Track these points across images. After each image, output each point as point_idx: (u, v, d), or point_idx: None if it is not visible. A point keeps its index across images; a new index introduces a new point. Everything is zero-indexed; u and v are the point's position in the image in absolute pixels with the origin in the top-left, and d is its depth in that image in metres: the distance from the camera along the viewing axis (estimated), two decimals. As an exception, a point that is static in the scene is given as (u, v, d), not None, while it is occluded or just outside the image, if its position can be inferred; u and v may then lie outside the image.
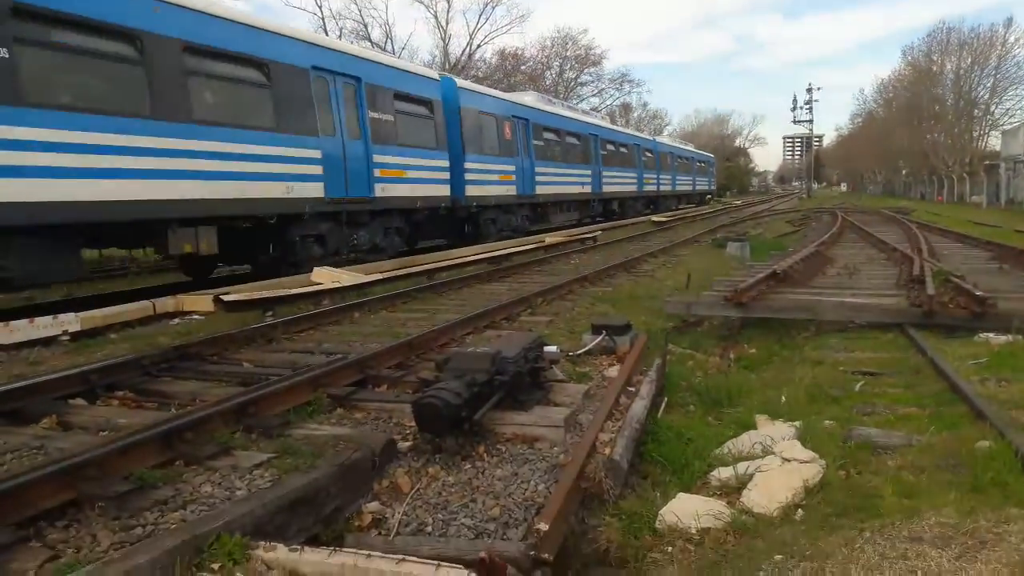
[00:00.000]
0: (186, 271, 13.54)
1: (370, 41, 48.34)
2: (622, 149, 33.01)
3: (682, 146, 51.48)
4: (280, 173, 11.94)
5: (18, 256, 8.44)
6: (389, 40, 50.47)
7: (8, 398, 4.97)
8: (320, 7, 46.83)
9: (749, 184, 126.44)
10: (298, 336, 7.81)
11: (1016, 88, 55.27)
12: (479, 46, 55.05)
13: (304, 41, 13.15)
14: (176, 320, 9.17)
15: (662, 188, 40.78)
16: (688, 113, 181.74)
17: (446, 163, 17.17)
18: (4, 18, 8.04)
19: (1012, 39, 54.38)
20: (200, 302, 9.38)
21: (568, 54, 61.54)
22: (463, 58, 53.32)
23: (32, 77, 8.48)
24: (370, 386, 5.50)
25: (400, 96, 15.60)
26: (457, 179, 17.64)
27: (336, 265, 12.71)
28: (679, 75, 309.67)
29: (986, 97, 57.22)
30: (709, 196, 59.27)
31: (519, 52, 58.43)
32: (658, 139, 45.22)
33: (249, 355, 6.84)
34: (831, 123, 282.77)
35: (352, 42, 40.04)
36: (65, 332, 7.85)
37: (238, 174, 11.10)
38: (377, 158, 14.47)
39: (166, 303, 9.45)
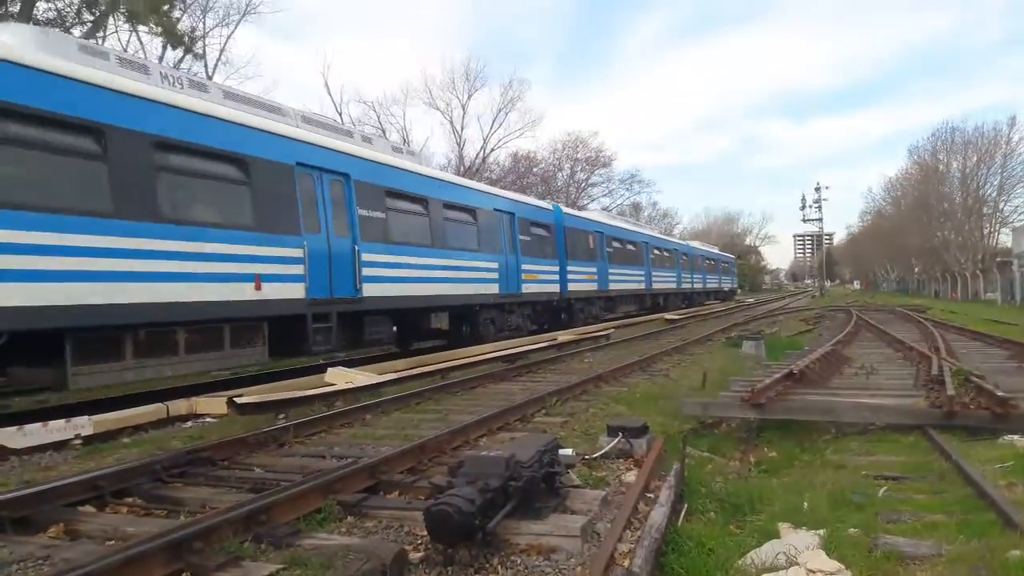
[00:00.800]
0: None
1: (387, 146, 49.77)
2: (665, 253, 39.89)
3: (709, 249, 58.66)
4: (482, 278, 18.59)
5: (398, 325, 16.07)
6: (406, 144, 51.99)
7: (17, 505, 4.90)
8: (340, 114, 48.22)
9: (762, 282, 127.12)
10: (310, 439, 7.73)
11: (1023, 186, 55.85)
12: (493, 149, 56.65)
13: (491, 193, 21.00)
14: (189, 423, 9.15)
15: (695, 286, 47.65)
16: (698, 212, 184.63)
17: (557, 268, 23.74)
18: (383, 195, 14.54)
19: (1016, 138, 55.22)
20: (213, 404, 9.37)
21: (579, 156, 63.19)
22: (477, 161, 54.75)
23: (393, 227, 14.79)
24: (382, 492, 5.42)
25: (533, 223, 22.45)
26: (563, 279, 23.93)
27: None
28: (688, 175, 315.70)
29: (994, 195, 57.79)
30: (732, 291, 65.83)
31: (531, 155, 60.07)
32: (691, 244, 51.80)
33: (261, 459, 6.76)
34: (841, 221, 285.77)
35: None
36: (78, 436, 7.82)
37: (466, 279, 17.73)
38: (524, 267, 21.11)
39: (179, 406, 9.45)
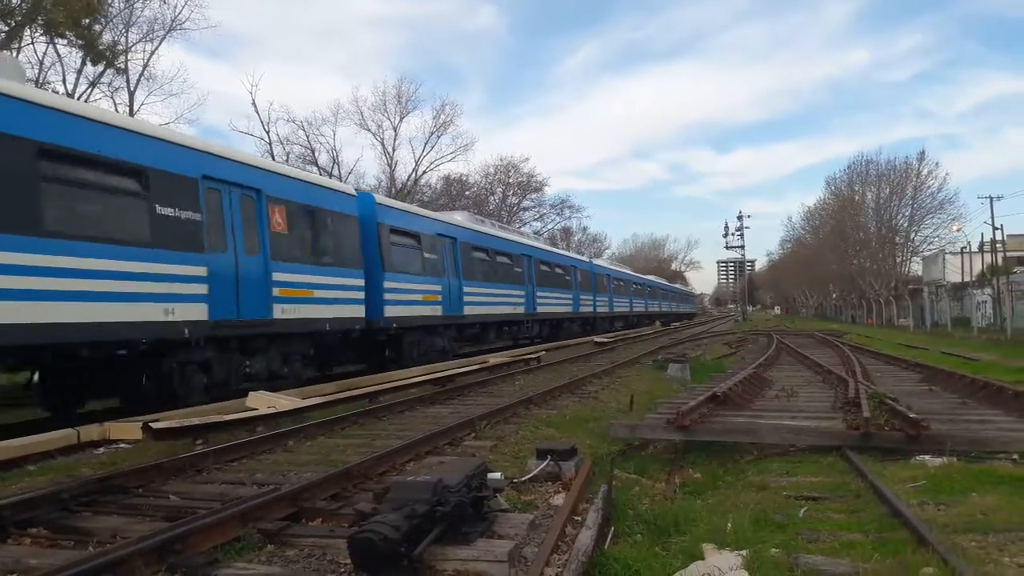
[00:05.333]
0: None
1: (317, 166, 49.19)
2: (643, 287, 56.65)
3: (679, 287, 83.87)
4: (514, 302, 25.81)
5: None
6: (336, 165, 51.46)
7: (-93, 539, 4.62)
8: (268, 132, 47.44)
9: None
10: (230, 466, 7.48)
11: (932, 217, 58.44)
12: (424, 172, 56.53)
13: (519, 242, 28.19)
14: (102, 449, 8.74)
15: (663, 309, 65.74)
16: (626, 237, 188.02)
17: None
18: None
19: (925, 171, 57.78)
20: (128, 430, 8.98)
21: (511, 180, 63.70)
22: (409, 183, 54.53)
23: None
24: (304, 520, 5.26)
25: (543, 262, 30.31)
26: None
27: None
28: (617, 201, 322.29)
29: (905, 225, 60.27)
30: (693, 313, 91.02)
31: (464, 178, 60.23)
32: (675, 285, 75.62)
33: (177, 487, 6.51)
34: (762, 248, 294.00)
35: (297, 167, 40.77)
36: (-22, 463, 7.38)
37: (500, 303, 24.45)
38: (538, 295, 28.29)
39: (91, 431, 9.03)
